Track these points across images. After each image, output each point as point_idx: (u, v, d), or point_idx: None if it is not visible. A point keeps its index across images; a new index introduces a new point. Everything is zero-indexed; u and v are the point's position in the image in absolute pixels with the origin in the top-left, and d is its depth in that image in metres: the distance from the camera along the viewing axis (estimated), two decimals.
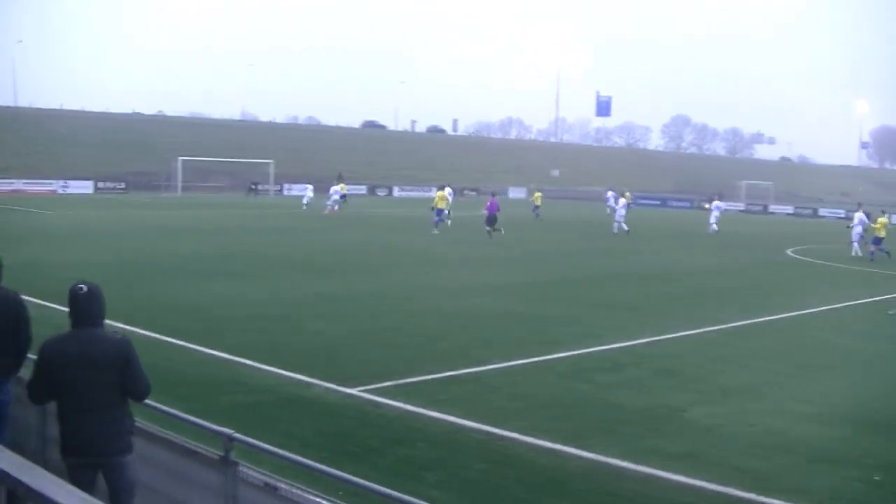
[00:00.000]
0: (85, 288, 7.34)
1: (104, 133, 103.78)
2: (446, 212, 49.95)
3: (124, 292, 22.13)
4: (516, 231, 48.54)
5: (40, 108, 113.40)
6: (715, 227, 56.10)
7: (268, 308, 21.28)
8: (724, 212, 61.45)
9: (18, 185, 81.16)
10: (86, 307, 7.33)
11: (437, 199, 50.21)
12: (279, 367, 15.08)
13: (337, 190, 63.37)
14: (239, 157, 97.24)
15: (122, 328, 17.80)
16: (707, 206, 61.37)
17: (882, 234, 42.08)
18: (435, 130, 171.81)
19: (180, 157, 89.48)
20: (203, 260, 31.13)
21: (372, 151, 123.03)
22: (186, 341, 16.92)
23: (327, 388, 13.97)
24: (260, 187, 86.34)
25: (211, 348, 16.39)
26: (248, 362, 15.43)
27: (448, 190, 52.37)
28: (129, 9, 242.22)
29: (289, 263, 30.76)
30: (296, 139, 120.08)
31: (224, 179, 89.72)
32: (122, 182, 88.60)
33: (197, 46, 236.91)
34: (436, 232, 47.14)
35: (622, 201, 54.59)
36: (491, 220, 45.68)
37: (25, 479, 2.77)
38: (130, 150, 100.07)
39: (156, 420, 8.14)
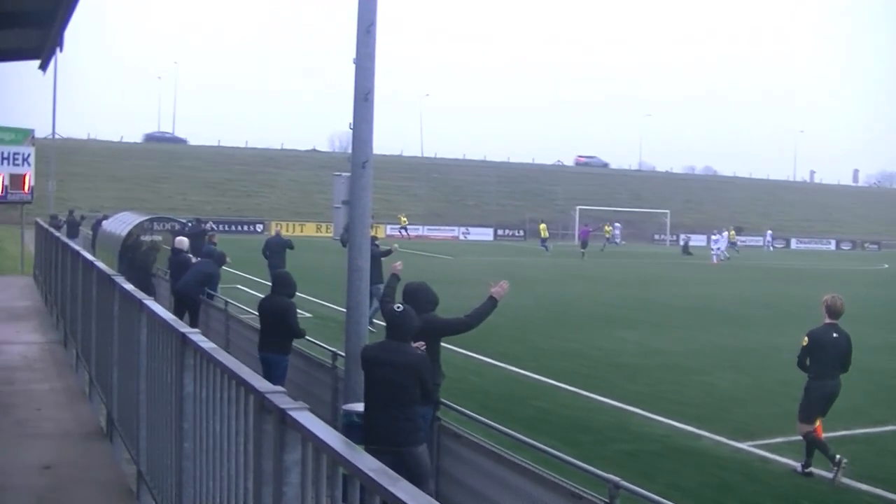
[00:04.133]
0: (401, 308, 8.90)
1: (504, 182, 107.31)
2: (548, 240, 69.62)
3: (522, 336, 22.90)
4: None
5: (444, 158, 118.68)
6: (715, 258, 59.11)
7: (662, 357, 21.32)
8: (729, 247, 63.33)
9: (423, 231, 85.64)
10: (399, 323, 8.81)
11: (541, 229, 70.13)
12: (668, 418, 15.10)
13: (717, 239, 63.49)
14: (635, 207, 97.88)
15: (513, 370, 18.50)
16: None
17: None
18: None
19: (578, 206, 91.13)
20: (605, 307, 31.54)
21: (768, 202, 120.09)
22: (579, 388, 17.26)
23: (716, 441, 13.86)
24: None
25: (602, 395, 16.64)
26: (638, 411, 15.55)
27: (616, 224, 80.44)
28: (526, 61, 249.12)
29: (690, 313, 30.63)
30: (692, 189, 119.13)
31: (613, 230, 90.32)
32: (520, 230, 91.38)
33: (598, 97, 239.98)
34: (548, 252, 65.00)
35: None
36: (584, 244, 63.54)
37: (358, 463, 3.13)
38: (529, 198, 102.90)
39: (544, 462, 8.45)
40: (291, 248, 29.43)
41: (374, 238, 24.95)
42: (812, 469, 12.11)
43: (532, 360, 19.62)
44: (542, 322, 26.68)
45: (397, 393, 8.60)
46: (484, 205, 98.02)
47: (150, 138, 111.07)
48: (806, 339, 12.38)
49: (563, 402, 16.24)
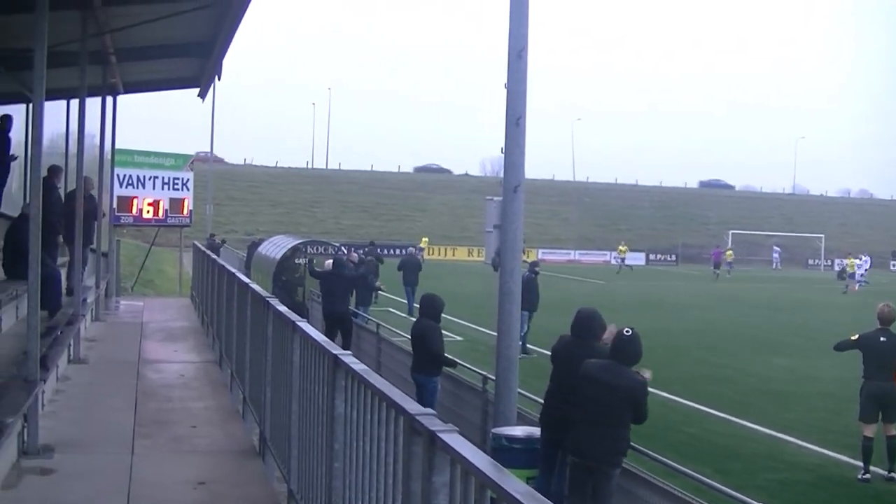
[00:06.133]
0: (630, 332, 9.11)
1: (656, 206, 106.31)
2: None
3: (672, 361, 22.62)
4: None
5: (596, 183, 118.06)
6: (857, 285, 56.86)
7: (815, 385, 20.90)
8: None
9: (574, 255, 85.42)
10: (623, 346, 9.05)
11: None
12: (823, 447, 14.78)
13: (860, 264, 61.14)
14: (788, 231, 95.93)
15: (664, 396, 18.27)
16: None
17: None
18: None
19: (731, 231, 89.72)
20: (755, 332, 30.96)
21: None
22: (730, 414, 17.05)
23: (873, 472, 13.42)
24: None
25: (754, 423, 16.37)
26: (791, 439, 15.26)
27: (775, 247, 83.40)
28: (673, 82, 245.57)
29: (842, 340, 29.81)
30: (846, 213, 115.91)
31: (772, 253, 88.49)
32: (672, 254, 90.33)
33: (747, 115, 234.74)
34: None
35: None
36: (716, 265, 68.60)
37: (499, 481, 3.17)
38: (682, 222, 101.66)
39: (695, 490, 8.36)
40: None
41: (535, 264, 25.26)
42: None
43: (683, 386, 19.37)
44: (692, 347, 26.35)
45: (607, 413, 8.84)
46: (636, 229, 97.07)
47: None
48: (857, 336, 13.94)
49: (714, 428, 16.02)
